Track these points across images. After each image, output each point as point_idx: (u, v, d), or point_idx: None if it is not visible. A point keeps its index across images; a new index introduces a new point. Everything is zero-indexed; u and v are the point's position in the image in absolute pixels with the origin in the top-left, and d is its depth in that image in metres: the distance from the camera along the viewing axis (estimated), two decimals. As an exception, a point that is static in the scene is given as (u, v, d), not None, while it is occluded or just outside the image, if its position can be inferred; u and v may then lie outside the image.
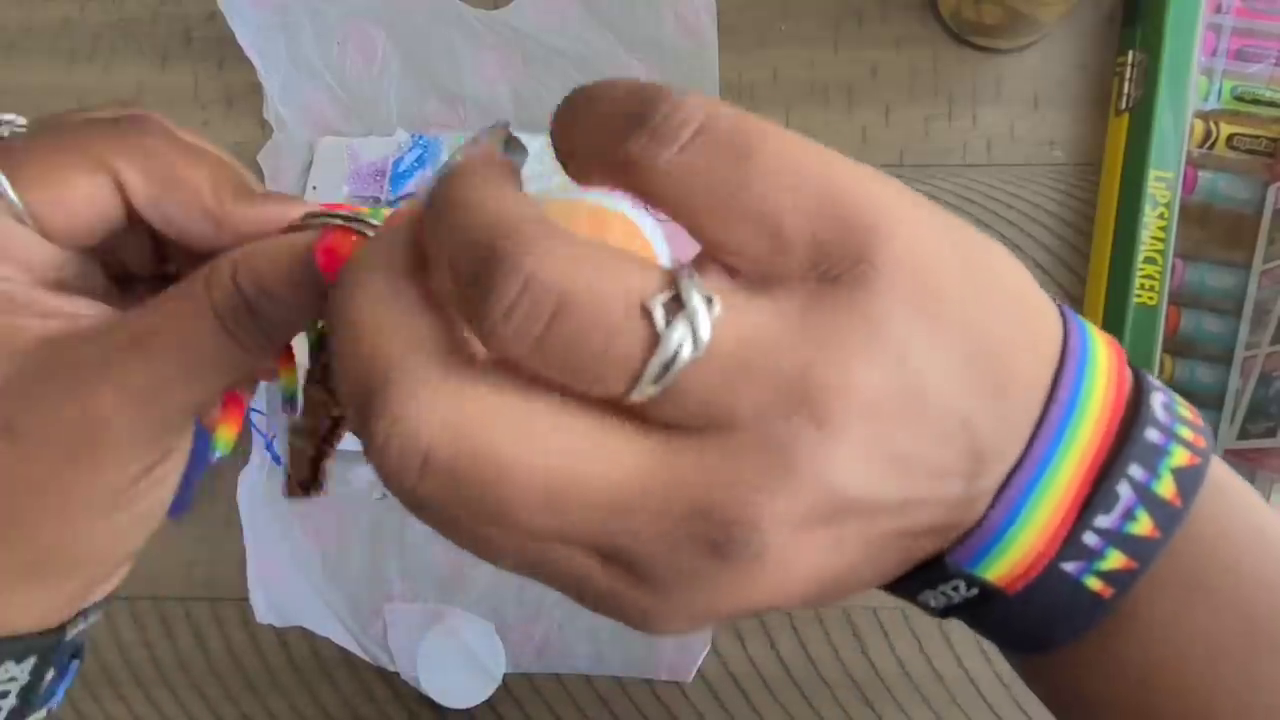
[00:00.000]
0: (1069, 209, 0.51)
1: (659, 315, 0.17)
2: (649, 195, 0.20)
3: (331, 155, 0.54)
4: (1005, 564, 0.21)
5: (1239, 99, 0.48)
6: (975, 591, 0.22)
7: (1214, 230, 0.49)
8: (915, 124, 0.53)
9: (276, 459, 0.51)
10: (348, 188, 0.53)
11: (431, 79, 0.54)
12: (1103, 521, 0.21)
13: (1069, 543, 0.21)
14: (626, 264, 0.18)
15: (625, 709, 0.50)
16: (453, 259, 0.18)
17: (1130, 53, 0.50)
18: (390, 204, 0.52)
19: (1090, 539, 0.21)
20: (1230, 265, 0.48)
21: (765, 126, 0.19)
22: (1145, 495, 0.21)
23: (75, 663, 0.27)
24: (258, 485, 0.52)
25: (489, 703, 0.50)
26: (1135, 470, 0.21)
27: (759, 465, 0.18)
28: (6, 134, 0.24)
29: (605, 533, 0.18)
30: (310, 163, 0.54)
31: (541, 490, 0.17)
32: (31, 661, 0.24)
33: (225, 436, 0.26)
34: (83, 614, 0.25)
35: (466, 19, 0.54)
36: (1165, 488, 0.21)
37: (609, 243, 0.21)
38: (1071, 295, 0.51)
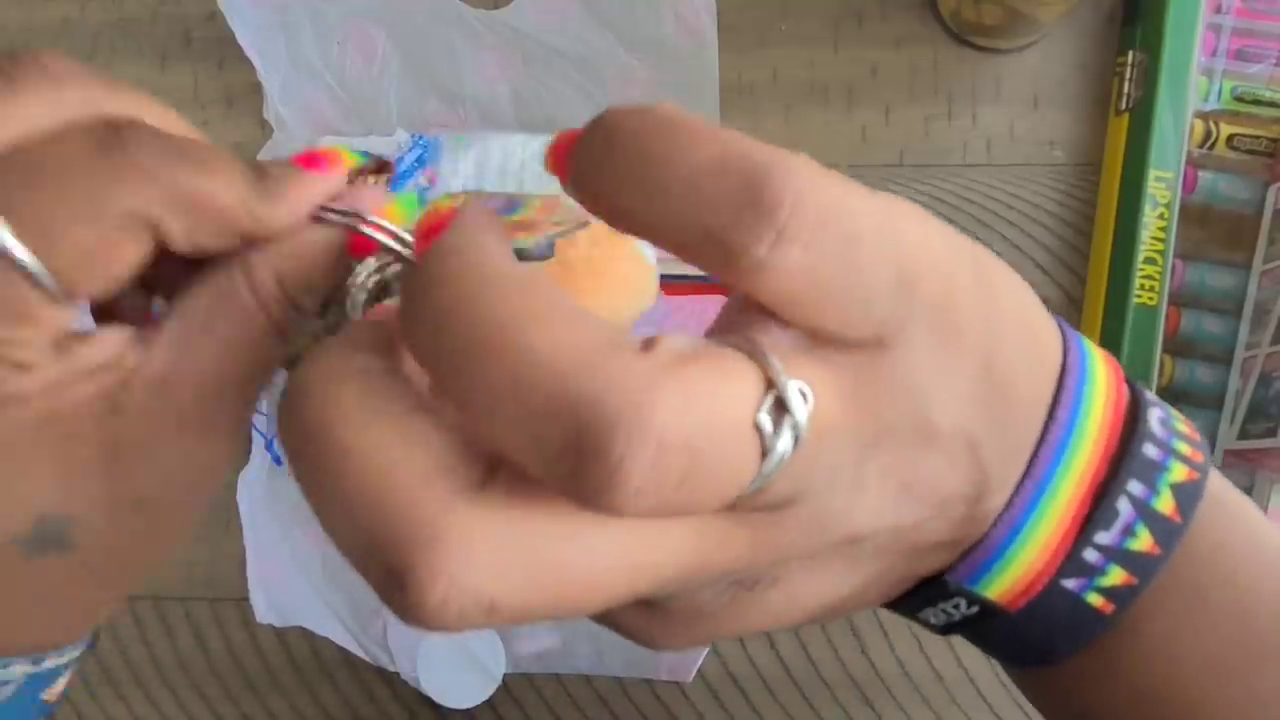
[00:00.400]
0: (1069, 209, 0.51)
1: (767, 427, 0.17)
2: (758, 290, 0.18)
3: (331, 155, 0.54)
4: (1006, 582, 0.21)
5: (1239, 99, 0.48)
6: (976, 609, 0.22)
7: (1214, 230, 0.49)
8: (915, 124, 0.53)
9: (277, 459, 0.51)
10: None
11: (431, 79, 0.54)
12: (1103, 538, 0.21)
13: (1070, 560, 0.21)
14: (730, 379, 0.17)
15: (625, 709, 0.50)
16: (509, 421, 0.15)
17: (1130, 53, 0.50)
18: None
19: (1091, 556, 0.21)
20: (1230, 265, 0.48)
21: (856, 200, 0.18)
22: (1145, 511, 0.21)
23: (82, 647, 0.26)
24: (258, 485, 0.52)
25: (489, 703, 0.50)
26: (1135, 486, 0.21)
27: (802, 525, 0.18)
28: None
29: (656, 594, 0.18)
30: (310, 163, 0.54)
31: (624, 591, 0.17)
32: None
33: None
34: (33, 656, 0.23)
35: (466, 19, 0.54)
36: (1164, 504, 0.21)
37: (623, 263, 0.21)
38: (1071, 295, 0.51)
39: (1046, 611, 0.22)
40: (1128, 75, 0.50)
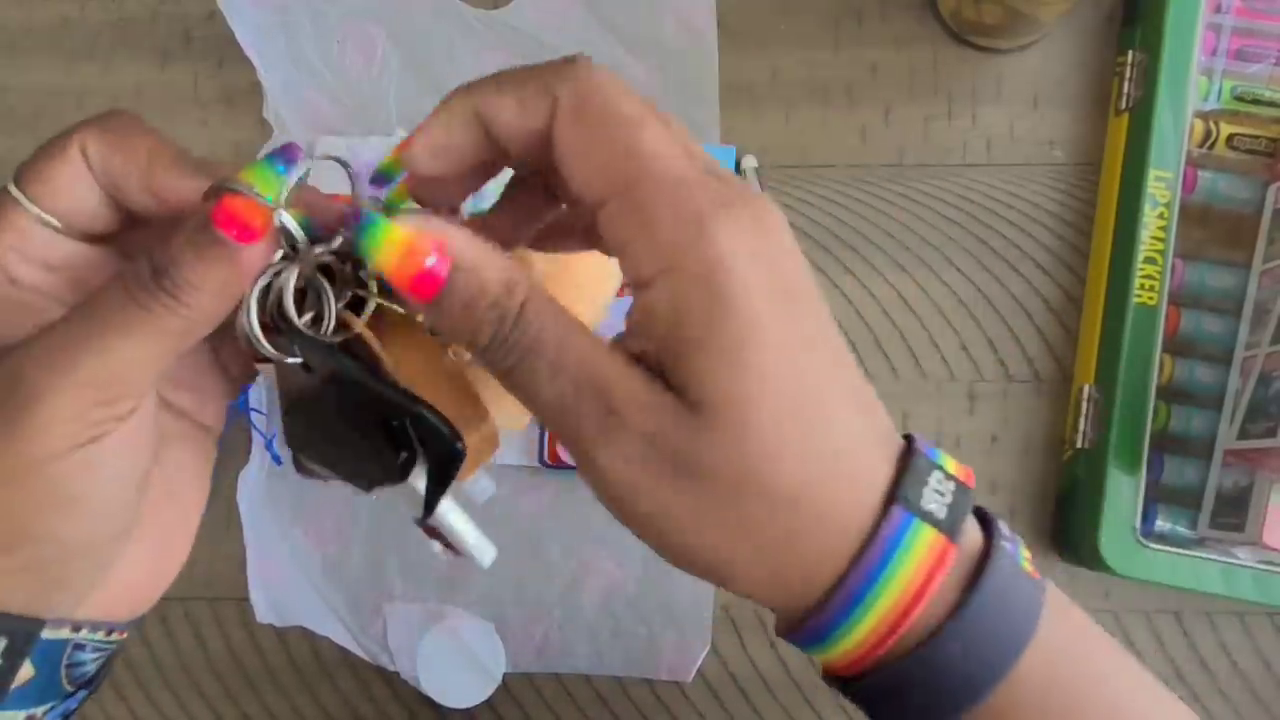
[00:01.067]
0: (1069, 209, 0.51)
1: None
2: None
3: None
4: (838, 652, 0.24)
5: (1239, 99, 0.48)
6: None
7: (1214, 230, 0.49)
8: (915, 123, 0.53)
9: (277, 459, 0.51)
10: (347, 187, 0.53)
11: (431, 78, 0.54)
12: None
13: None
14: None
15: (625, 709, 0.50)
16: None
17: (1130, 52, 0.50)
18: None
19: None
20: (1230, 265, 0.48)
21: None
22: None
23: (81, 693, 0.27)
24: (258, 485, 0.52)
25: (489, 702, 0.50)
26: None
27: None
28: None
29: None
30: (310, 162, 0.54)
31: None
32: (3, 643, 0.24)
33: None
34: (73, 625, 0.25)
35: (466, 18, 0.54)
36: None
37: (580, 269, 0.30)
38: (1071, 295, 0.51)
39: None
40: (1127, 75, 0.50)
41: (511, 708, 0.51)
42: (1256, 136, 0.48)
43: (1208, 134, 0.48)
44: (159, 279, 0.22)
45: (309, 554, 0.51)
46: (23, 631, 0.24)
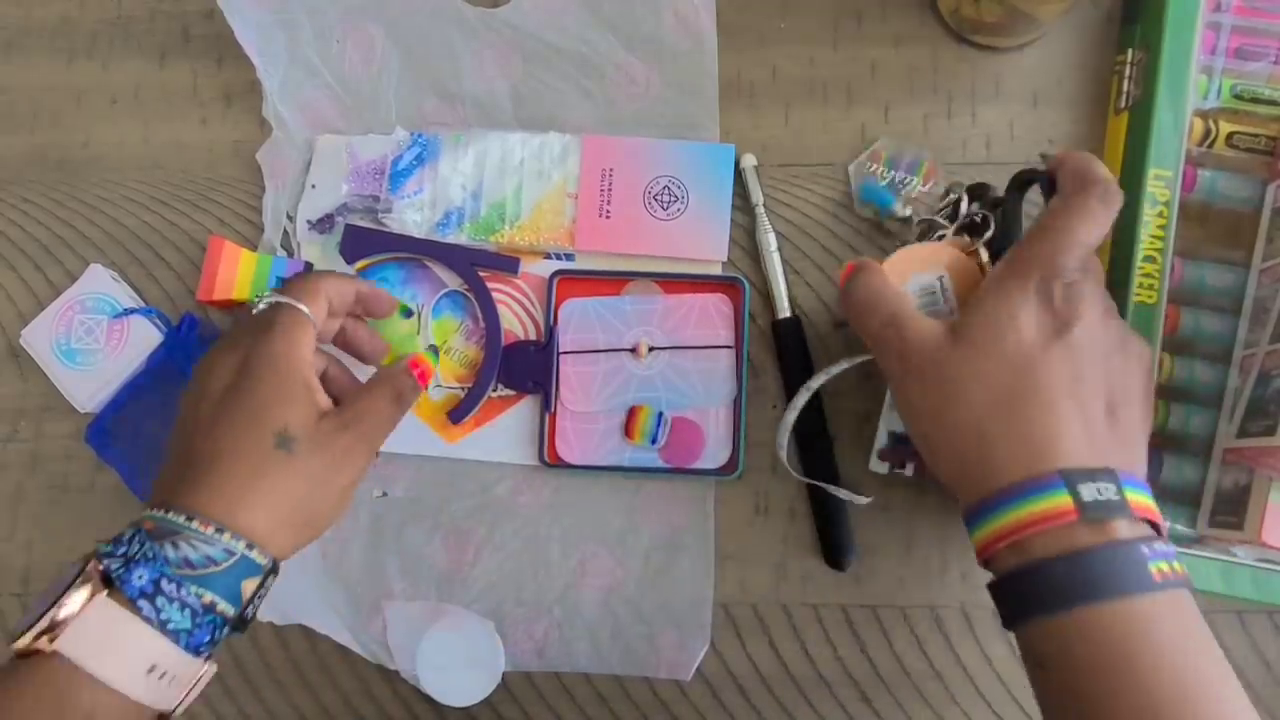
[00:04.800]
0: (1068, 207, 0.51)
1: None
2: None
3: (330, 153, 0.54)
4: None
5: (1238, 97, 0.48)
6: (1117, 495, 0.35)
7: (1213, 228, 0.49)
8: (914, 122, 0.53)
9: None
10: (347, 186, 0.53)
11: (430, 77, 0.54)
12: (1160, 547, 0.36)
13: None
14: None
15: (625, 708, 0.50)
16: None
17: (1129, 51, 0.50)
18: (377, 208, 0.52)
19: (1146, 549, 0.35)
20: (1229, 263, 0.48)
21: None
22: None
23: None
24: (257, 484, 0.52)
25: (488, 701, 0.50)
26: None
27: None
28: (261, 305, 0.43)
29: None
30: (309, 161, 0.54)
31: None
32: (274, 578, 0.39)
33: None
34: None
35: (465, 17, 0.54)
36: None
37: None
38: (1071, 294, 0.51)
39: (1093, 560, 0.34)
40: (1127, 74, 0.50)
41: (511, 707, 0.51)
42: (1256, 135, 0.48)
43: (1207, 132, 0.48)
44: (407, 395, 0.45)
45: (309, 553, 0.51)
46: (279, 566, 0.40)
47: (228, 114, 0.56)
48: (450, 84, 0.54)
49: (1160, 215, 0.47)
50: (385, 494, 0.52)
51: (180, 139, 0.56)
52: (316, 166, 0.54)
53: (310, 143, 0.54)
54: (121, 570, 0.35)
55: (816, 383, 0.46)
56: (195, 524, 0.36)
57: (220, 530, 0.37)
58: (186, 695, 0.37)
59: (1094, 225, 0.38)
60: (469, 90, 0.54)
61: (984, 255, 0.44)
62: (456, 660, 0.50)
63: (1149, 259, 0.47)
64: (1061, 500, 0.35)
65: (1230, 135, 0.48)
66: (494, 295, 0.52)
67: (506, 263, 0.52)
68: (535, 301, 0.52)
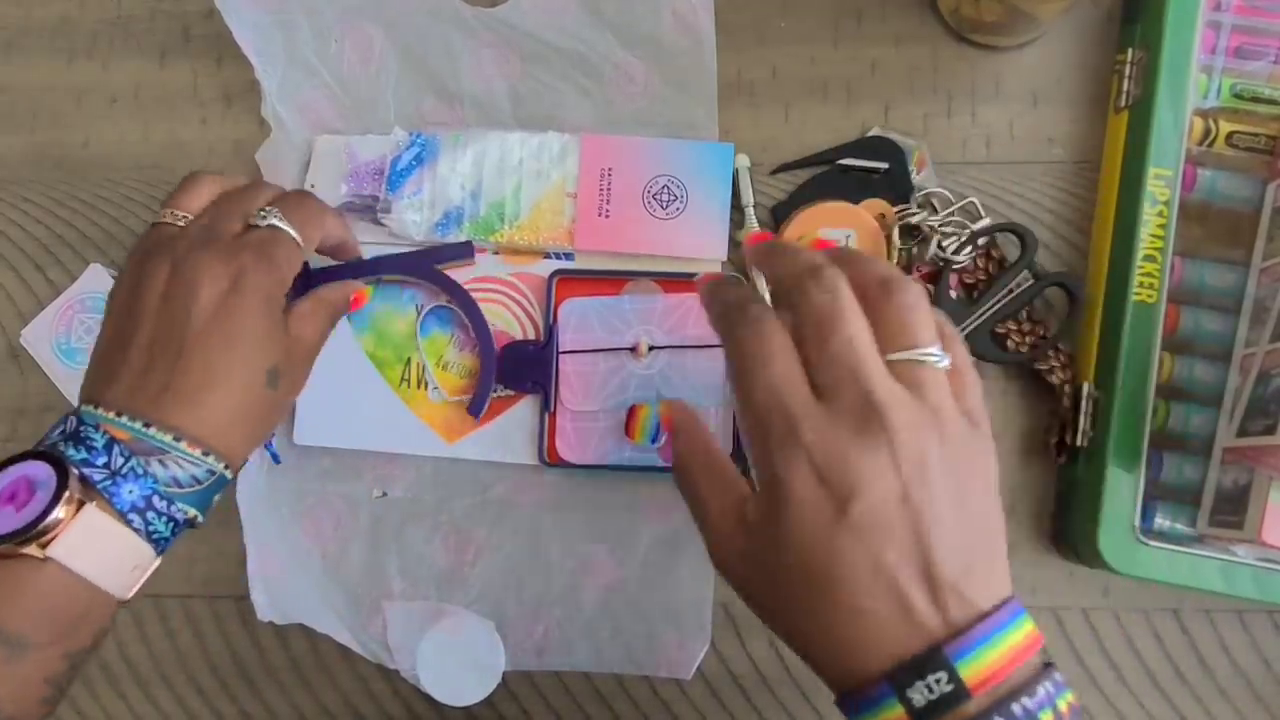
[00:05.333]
0: (1068, 207, 0.51)
1: None
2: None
3: (329, 153, 0.54)
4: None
5: (1238, 96, 0.48)
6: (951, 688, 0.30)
7: (1213, 228, 0.48)
8: (914, 121, 0.53)
9: (275, 458, 0.51)
10: (346, 186, 0.53)
11: (429, 77, 0.54)
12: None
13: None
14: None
15: (625, 707, 0.50)
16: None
17: (1129, 50, 0.50)
18: (374, 204, 0.52)
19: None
20: (1229, 263, 0.48)
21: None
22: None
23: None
24: (257, 484, 0.52)
25: (488, 701, 0.50)
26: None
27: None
28: (263, 223, 0.42)
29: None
30: (309, 161, 0.54)
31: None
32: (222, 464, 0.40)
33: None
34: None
35: (464, 16, 0.54)
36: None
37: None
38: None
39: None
40: (1127, 73, 0.50)
41: (511, 706, 0.51)
42: (1256, 134, 0.48)
43: (1207, 132, 0.48)
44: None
45: (309, 552, 0.51)
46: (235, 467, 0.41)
47: (228, 114, 0.56)
48: (449, 84, 0.54)
49: (1160, 215, 0.47)
50: (385, 494, 0.52)
51: (180, 139, 0.56)
52: (315, 167, 0.54)
53: (309, 143, 0.54)
54: (108, 483, 0.36)
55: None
56: (183, 444, 0.38)
57: (207, 454, 0.38)
58: (140, 582, 0.39)
59: (766, 358, 0.32)
60: (467, 90, 0.54)
61: (897, 235, 0.49)
62: (456, 660, 0.50)
63: (1149, 258, 0.47)
64: (894, 713, 0.30)
65: (1230, 134, 0.48)
66: (493, 295, 0.52)
67: (460, 250, 0.52)
68: (534, 301, 0.52)
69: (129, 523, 0.37)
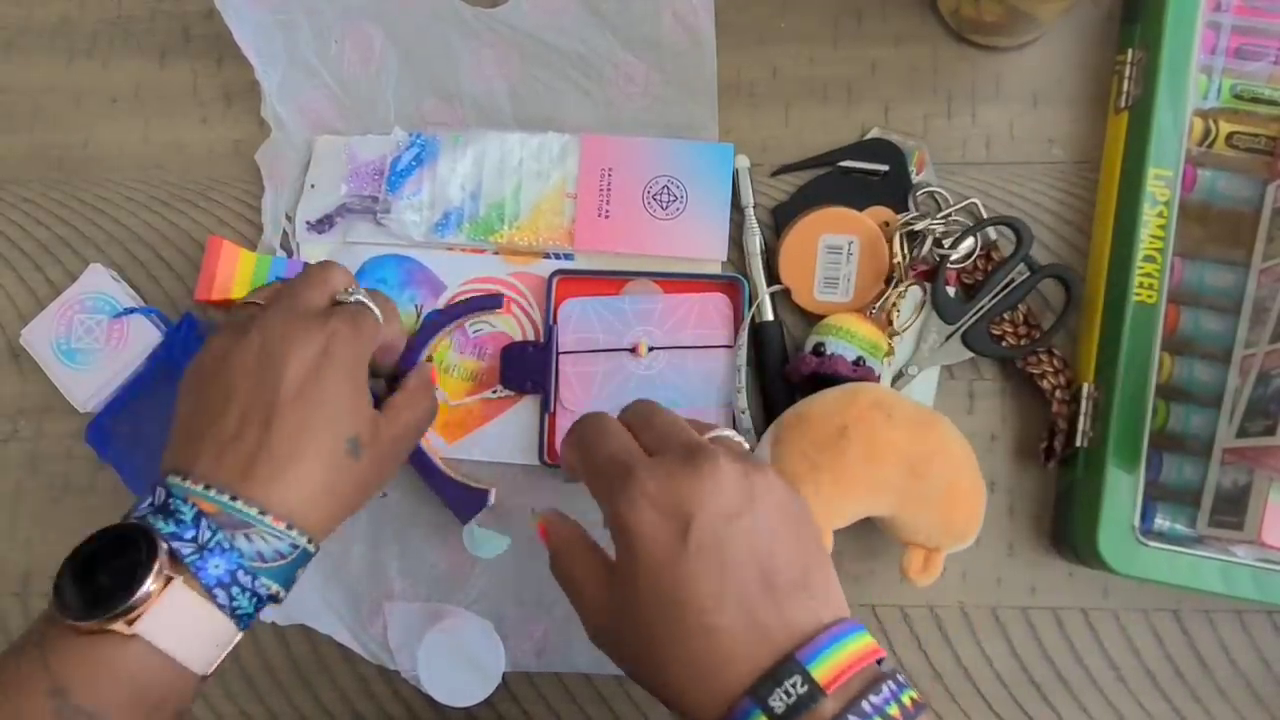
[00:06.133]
0: (1068, 207, 0.51)
1: None
2: None
3: (329, 154, 0.54)
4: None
5: (1238, 97, 0.48)
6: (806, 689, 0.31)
7: (1213, 228, 0.48)
8: (914, 122, 0.53)
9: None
10: (346, 186, 0.53)
11: (429, 77, 0.54)
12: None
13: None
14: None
15: (625, 707, 0.50)
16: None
17: (1129, 50, 0.50)
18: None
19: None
20: (1229, 263, 0.48)
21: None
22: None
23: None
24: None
25: (488, 701, 0.50)
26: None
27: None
28: (351, 299, 0.44)
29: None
30: (309, 161, 0.54)
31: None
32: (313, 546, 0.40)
33: None
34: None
35: (464, 17, 0.54)
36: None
37: None
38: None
39: None
40: (1127, 73, 0.50)
41: (511, 707, 0.51)
42: (1256, 135, 0.48)
43: (1207, 132, 0.48)
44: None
45: (308, 552, 0.51)
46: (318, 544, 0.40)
47: (228, 114, 0.56)
48: (449, 84, 0.54)
49: (1160, 215, 0.47)
50: (385, 494, 0.52)
51: (180, 139, 0.56)
52: (315, 167, 0.54)
53: (309, 143, 0.54)
54: (195, 558, 0.36)
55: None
56: (269, 519, 0.38)
57: (290, 527, 0.38)
58: (220, 658, 0.39)
59: (606, 435, 0.37)
60: (467, 90, 0.54)
61: (900, 241, 0.49)
62: (456, 660, 0.50)
63: (1149, 259, 0.47)
64: None
65: (1230, 135, 0.48)
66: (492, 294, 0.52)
67: (492, 302, 0.52)
68: (534, 301, 0.52)
69: (214, 598, 0.36)
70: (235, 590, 0.37)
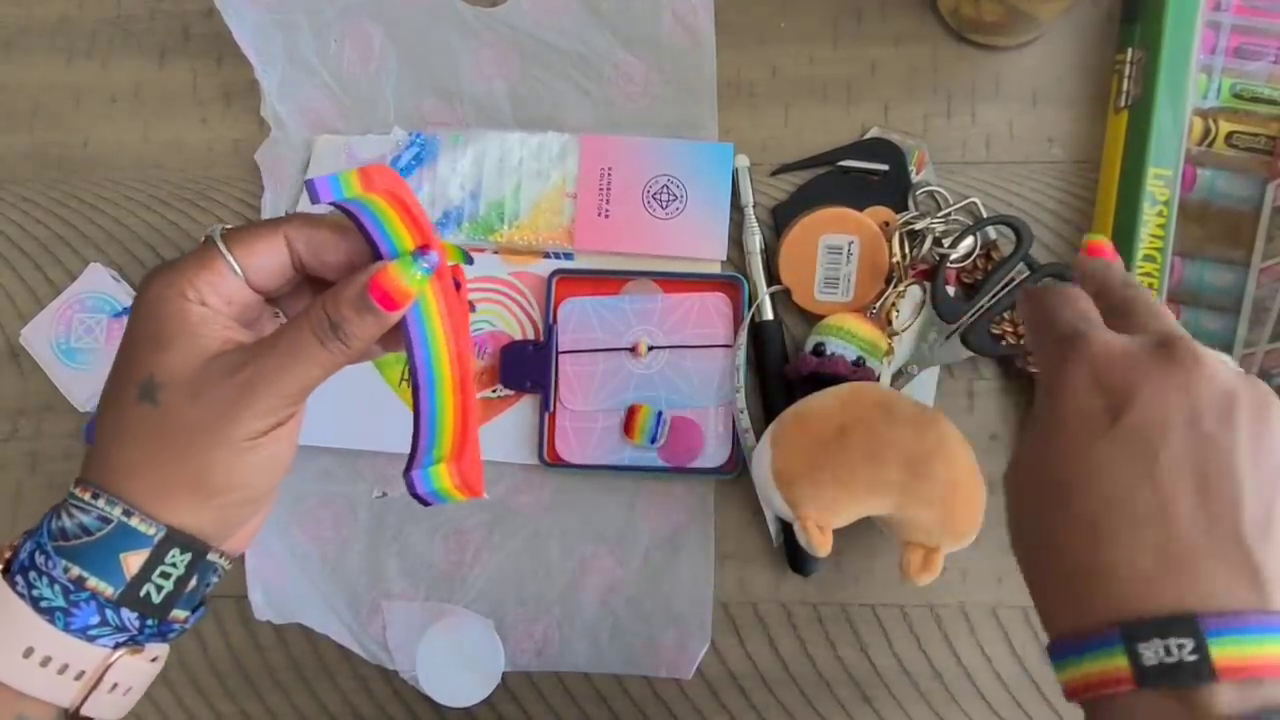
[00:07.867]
0: (1068, 206, 0.51)
1: None
2: None
3: (329, 154, 0.54)
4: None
5: (1238, 96, 0.48)
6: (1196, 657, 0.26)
7: (1213, 228, 0.48)
8: (914, 121, 0.53)
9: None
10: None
11: (429, 77, 0.54)
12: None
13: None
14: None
15: (625, 707, 0.50)
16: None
17: (1129, 50, 0.50)
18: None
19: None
20: (1229, 263, 0.48)
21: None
22: None
23: (201, 609, 0.36)
24: (256, 483, 0.52)
25: (488, 701, 0.50)
26: None
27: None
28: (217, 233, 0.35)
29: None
30: (308, 161, 0.54)
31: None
32: (188, 556, 0.33)
33: None
34: (221, 552, 0.35)
35: (463, 16, 0.54)
36: None
37: None
38: (1070, 293, 0.51)
39: None
40: (1127, 73, 0.50)
41: (511, 706, 0.51)
42: (1255, 134, 0.48)
43: (1207, 132, 0.48)
44: (335, 330, 0.32)
45: (308, 552, 0.51)
46: (200, 549, 0.33)
47: (227, 113, 0.56)
48: (448, 83, 0.54)
49: (1160, 214, 0.47)
50: (385, 494, 0.52)
51: (180, 138, 0.56)
52: (315, 167, 0.54)
53: (309, 143, 0.54)
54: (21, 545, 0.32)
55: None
56: (76, 489, 0.32)
57: (96, 495, 0.32)
58: (93, 690, 0.32)
59: (1069, 299, 0.34)
60: (467, 90, 0.54)
61: (899, 242, 0.49)
62: (456, 660, 0.50)
63: (1149, 258, 0.47)
64: (1116, 663, 0.27)
65: (1230, 134, 0.48)
66: (492, 295, 0.52)
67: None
68: (534, 301, 0.52)
69: (13, 585, 0.31)
70: (33, 575, 0.31)
